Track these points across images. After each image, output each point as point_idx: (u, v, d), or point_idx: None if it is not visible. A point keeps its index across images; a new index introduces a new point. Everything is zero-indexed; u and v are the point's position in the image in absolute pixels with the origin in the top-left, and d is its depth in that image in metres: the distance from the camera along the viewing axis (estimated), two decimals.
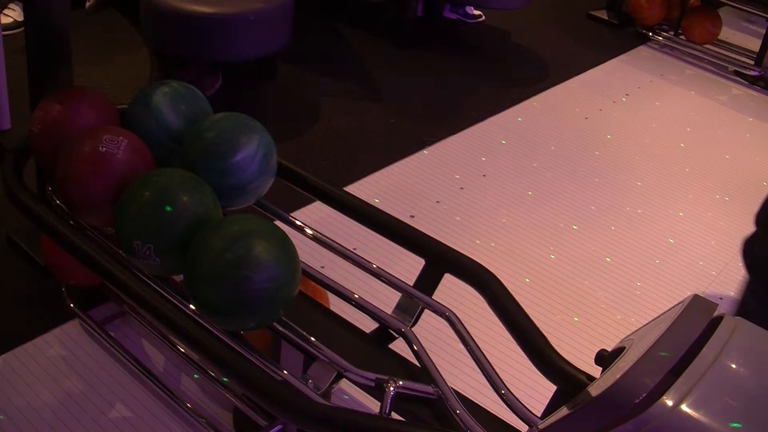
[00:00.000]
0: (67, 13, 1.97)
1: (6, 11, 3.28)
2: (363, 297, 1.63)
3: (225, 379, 1.73)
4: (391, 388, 1.39)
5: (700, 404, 1.06)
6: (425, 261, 1.67)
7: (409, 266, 1.78)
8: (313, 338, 1.46)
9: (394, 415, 1.43)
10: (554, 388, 1.43)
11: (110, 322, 2.03)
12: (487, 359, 1.49)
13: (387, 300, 1.76)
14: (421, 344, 1.51)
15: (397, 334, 1.58)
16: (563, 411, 1.22)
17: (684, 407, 1.05)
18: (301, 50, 3.57)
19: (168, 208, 1.41)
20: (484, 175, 3.02)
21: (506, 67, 4.04)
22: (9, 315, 2.04)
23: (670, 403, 1.05)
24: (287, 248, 1.39)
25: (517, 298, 1.54)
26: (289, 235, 1.45)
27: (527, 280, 2.51)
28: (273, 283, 1.35)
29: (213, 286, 1.34)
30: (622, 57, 4.32)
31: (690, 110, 3.84)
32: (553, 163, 3.20)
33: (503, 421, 1.48)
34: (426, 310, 1.63)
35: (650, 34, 4.53)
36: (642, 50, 4.46)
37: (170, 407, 1.84)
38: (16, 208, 1.62)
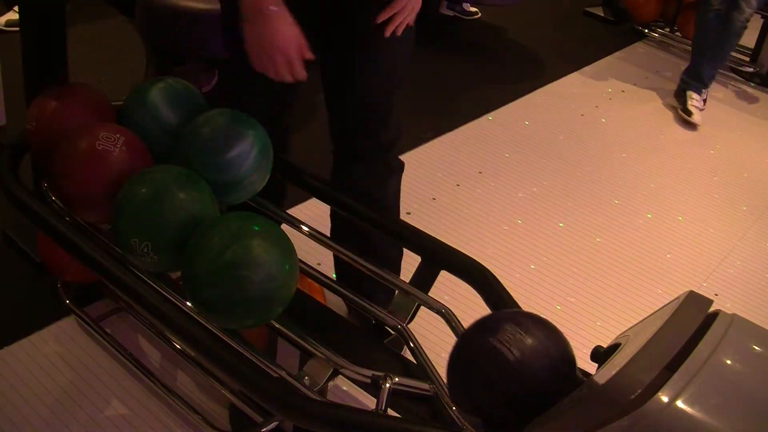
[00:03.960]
0: (63, 9, 1.97)
1: (16, 8, 3.27)
2: (359, 294, 1.63)
3: (217, 374, 1.73)
4: (387, 385, 1.39)
5: (695, 400, 1.06)
6: (421, 258, 1.67)
7: (405, 263, 1.78)
8: (309, 335, 1.46)
9: (391, 412, 1.44)
10: None
11: (106, 319, 2.03)
12: None
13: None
14: (417, 341, 1.52)
15: (393, 330, 1.59)
16: (559, 407, 1.22)
17: (679, 403, 1.05)
18: None
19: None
20: (480, 172, 3.02)
21: (502, 63, 4.04)
22: (4, 311, 2.04)
23: (665, 399, 1.06)
24: (286, 248, 1.39)
25: (512, 294, 1.54)
26: (285, 232, 1.45)
27: (529, 269, 2.51)
28: (272, 283, 1.35)
29: (212, 285, 1.34)
30: (618, 54, 4.33)
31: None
32: (549, 159, 3.20)
33: None
34: (422, 307, 1.63)
35: (646, 30, 4.53)
36: (638, 47, 4.46)
37: (166, 404, 1.84)
38: (12, 204, 1.61)
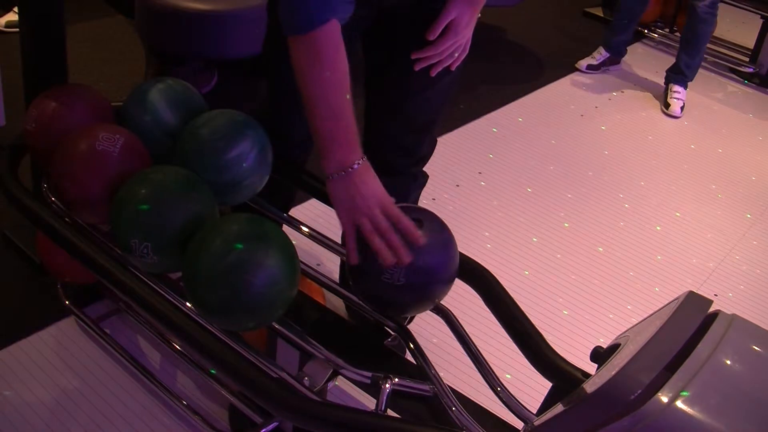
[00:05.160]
0: (62, 9, 1.97)
1: (16, 9, 3.27)
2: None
3: (217, 375, 1.73)
4: (387, 386, 1.39)
5: (695, 400, 1.07)
6: None
7: None
8: (309, 335, 1.46)
9: (390, 413, 1.44)
10: (550, 384, 1.44)
11: (106, 319, 2.03)
12: (482, 356, 1.50)
13: None
14: (416, 341, 1.52)
15: (393, 331, 1.58)
16: (558, 408, 1.22)
17: (679, 404, 1.05)
18: None
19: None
20: (480, 172, 3.02)
21: (502, 64, 4.04)
22: (4, 312, 2.04)
23: (665, 399, 1.06)
24: (288, 251, 1.39)
25: (512, 294, 1.54)
26: (284, 232, 1.45)
27: (526, 272, 2.51)
28: (273, 287, 1.34)
29: (213, 288, 1.33)
30: None
31: (685, 107, 3.84)
32: (549, 160, 3.20)
33: (499, 418, 1.49)
34: None
35: (646, 31, 4.53)
36: (638, 47, 4.46)
37: (166, 404, 1.84)
38: (12, 205, 1.61)
